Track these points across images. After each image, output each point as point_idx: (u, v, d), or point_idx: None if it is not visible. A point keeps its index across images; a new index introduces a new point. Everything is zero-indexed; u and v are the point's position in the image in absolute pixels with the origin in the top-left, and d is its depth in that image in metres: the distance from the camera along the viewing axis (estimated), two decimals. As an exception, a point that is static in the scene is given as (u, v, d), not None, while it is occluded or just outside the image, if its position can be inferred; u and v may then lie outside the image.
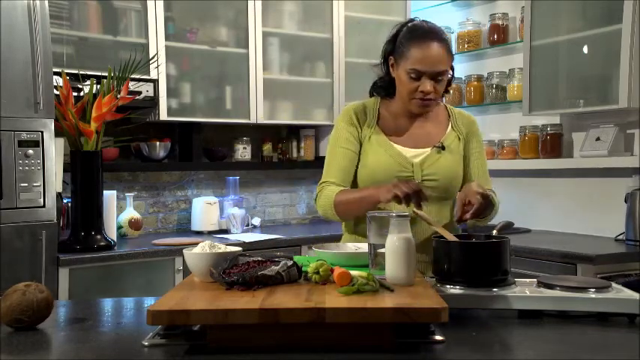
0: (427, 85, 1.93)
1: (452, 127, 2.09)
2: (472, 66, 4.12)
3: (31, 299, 1.41)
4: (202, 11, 3.63)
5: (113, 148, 3.46)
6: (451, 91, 2.14)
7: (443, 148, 2.02)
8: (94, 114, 2.90)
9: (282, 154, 4.16)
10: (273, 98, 3.85)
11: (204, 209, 3.70)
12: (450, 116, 2.11)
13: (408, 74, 1.94)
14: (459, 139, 2.07)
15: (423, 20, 2.05)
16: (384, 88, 2.08)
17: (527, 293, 1.52)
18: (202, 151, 3.80)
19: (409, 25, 2.01)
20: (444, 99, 2.30)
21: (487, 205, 1.83)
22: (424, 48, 1.92)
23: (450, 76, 2.03)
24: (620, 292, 1.51)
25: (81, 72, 3.06)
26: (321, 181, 2.06)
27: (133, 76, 3.11)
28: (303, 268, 1.50)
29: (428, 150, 2.02)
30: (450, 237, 1.65)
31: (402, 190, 1.73)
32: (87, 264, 2.89)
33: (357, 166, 2.04)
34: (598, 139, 3.30)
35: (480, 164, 2.10)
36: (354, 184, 2.06)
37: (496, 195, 2.07)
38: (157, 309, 1.23)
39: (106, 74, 2.98)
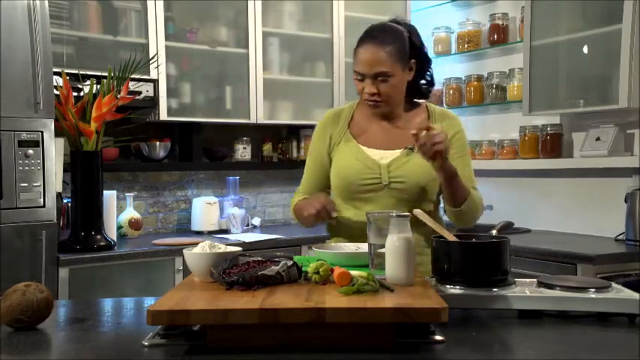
0: (368, 86, 1.96)
1: None
2: (472, 66, 4.12)
3: (31, 299, 1.41)
4: (202, 11, 3.63)
5: (113, 148, 3.46)
6: (432, 90, 2.10)
7: (413, 149, 1.99)
8: (94, 114, 2.90)
9: (282, 154, 4.16)
10: (273, 98, 3.85)
11: (204, 209, 3.70)
12: (429, 117, 2.08)
13: (355, 76, 1.99)
14: None
15: (393, 20, 2.07)
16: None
17: (527, 293, 1.52)
18: (202, 151, 3.80)
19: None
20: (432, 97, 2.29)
21: (452, 178, 1.86)
22: (362, 50, 1.96)
23: (429, 77, 2.05)
24: (620, 292, 1.51)
25: (81, 72, 3.06)
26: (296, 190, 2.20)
27: (133, 76, 3.11)
28: (303, 268, 1.50)
29: (397, 152, 2.02)
30: (450, 237, 1.65)
31: (314, 206, 1.89)
32: (87, 264, 2.89)
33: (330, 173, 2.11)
34: (598, 139, 3.30)
35: (462, 166, 2.04)
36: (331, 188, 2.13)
37: (480, 197, 2.04)
38: (157, 309, 1.23)
39: (106, 74, 2.98)
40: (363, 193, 2.00)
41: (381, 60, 1.92)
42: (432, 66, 2.11)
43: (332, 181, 2.09)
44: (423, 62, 2.05)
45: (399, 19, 2.10)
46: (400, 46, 1.96)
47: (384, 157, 2.01)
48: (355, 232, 1.99)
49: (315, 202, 1.92)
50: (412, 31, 2.04)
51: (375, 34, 1.97)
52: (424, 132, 1.74)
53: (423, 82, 2.09)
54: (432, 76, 2.10)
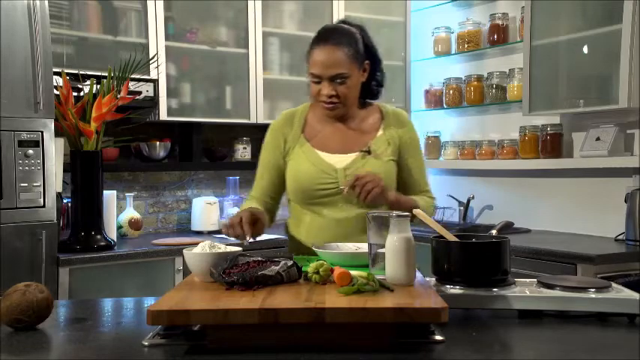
0: (326, 88, 1.93)
1: (383, 130, 2.06)
2: (472, 66, 4.12)
3: (31, 299, 1.41)
4: (202, 11, 3.63)
5: (113, 148, 3.46)
6: (381, 91, 2.11)
7: (369, 152, 2.00)
8: (94, 114, 2.90)
9: (282, 154, 4.15)
10: (273, 98, 3.85)
11: (204, 209, 3.70)
12: (383, 118, 2.08)
13: (310, 78, 1.97)
14: (389, 143, 2.04)
15: (342, 21, 2.06)
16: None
17: (527, 293, 1.52)
18: (202, 151, 3.80)
19: (320, 28, 2.03)
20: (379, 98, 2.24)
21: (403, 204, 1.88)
22: (318, 52, 1.94)
23: (380, 77, 2.04)
24: (620, 292, 1.51)
25: (81, 72, 3.06)
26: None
27: (133, 76, 3.11)
28: (303, 268, 1.50)
29: (353, 155, 2.01)
30: (450, 237, 1.65)
31: (226, 225, 1.82)
32: (87, 264, 2.89)
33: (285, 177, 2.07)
34: (598, 139, 3.30)
35: (416, 168, 2.08)
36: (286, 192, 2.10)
37: (430, 202, 2.08)
38: (156, 309, 1.23)
39: (106, 74, 2.98)
40: (320, 198, 1.99)
41: (339, 61, 1.91)
42: (383, 66, 2.10)
43: (288, 185, 2.06)
44: (374, 63, 2.05)
45: (349, 20, 2.09)
46: (355, 47, 1.96)
47: (340, 161, 2.00)
48: (312, 234, 1.99)
49: (236, 218, 1.83)
50: (364, 32, 2.04)
51: (330, 36, 1.95)
52: (347, 187, 1.81)
53: (373, 82, 2.07)
54: (382, 76, 2.09)
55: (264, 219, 1.90)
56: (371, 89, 2.08)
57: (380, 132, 2.05)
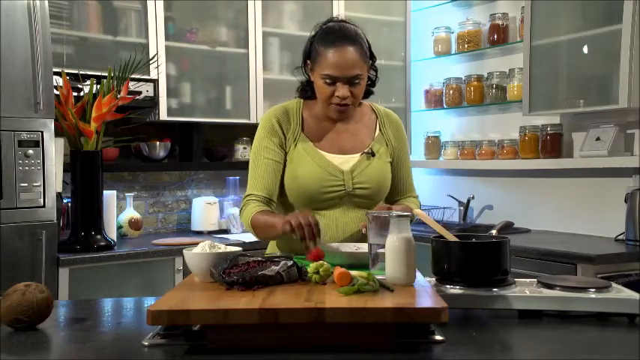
0: (342, 90, 1.88)
1: (380, 130, 2.05)
2: (472, 66, 4.12)
3: (31, 299, 1.41)
4: (202, 11, 3.63)
5: (113, 148, 3.46)
6: (372, 90, 2.08)
7: (372, 154, 1.98)
8: (94, 114, 2.90)
9: (282, 154, 4.15)
10: (273, 98, 3.85)
11: (204, 209, 3.70)
12: (377, 117, 2.07)
13: (323, 79, 1.89)
14: (387, 144, 2.04)
15: (342, 20, 1.99)
16: (307, 90, 2.02)
17: (527, 293, 1.52)
18: (202, 151, 3.80)
19: (324, 27, 1.95)
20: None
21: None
22: (336, 53, 1.86)
23: (373, 77, 2.01)
24: (620, 292, 1.51)
25: (81, 72, 3.06)
26: (245, 194, 1.97)
27: (133, 76, 3.11)
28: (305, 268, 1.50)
29: (356, 156, 1.98)
30: (450, 237, 1.65)
31: (296, 221, 1.66)
32: (87, 264, 2.89)
33: (283, 176, 1.96)
34: (598, 139, 3.30)
35: (404, 170, 2.07)
36: (284, 195, 1.98)
37: (419, 203, 2.09)
38: (156, 309, 1.23)
39: (106, 74, 2.98)
40: (325, 201, 1.93)
41: (356, 62, 1.87)
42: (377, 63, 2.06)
43: (288, 185, 1.96)
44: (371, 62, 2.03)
45: (346, 19, 2.03)
46: (365, 47, 1.93)
47: (344, 162, 1.96)
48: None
49: (299, 216, 1.68)
50: (362, 30, 2.00)
51: (345, 35, 1.89)
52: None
53: (368, 82, 2.02)
54: (375, 74, 2.05)
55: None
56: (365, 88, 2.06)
57: (377, 132, 2.05)
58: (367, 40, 1.97)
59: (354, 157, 1.98)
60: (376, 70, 2.03)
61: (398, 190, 2.08)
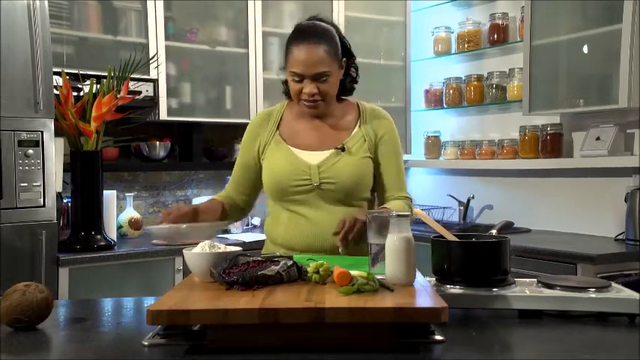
0: (309, 87, 1.93)
1: (359, 127, 2.05)
2: (472, 66, 4.12)
3: (31, 299, 1.41)
4: (202, 11, 3.63)
5: (113, 148, 3.46)
6: (354, 87, 2.10)
7: (343, 149, 1.99)
8: (94, 114, 2.90)
9: (282, 154, 4.15)
10: (273, 98, 3.84)
11: (204, 209, 3.69)
12: (360, 115, 2.07)
13: (292, 77, 1.95)
14: (365, 140, 2.03)
15: (315, 18, 2.04)
16: (288, 90, 2.06)
17: (527, 293, 1.52)
18: (202, 151, 3.80)
19: (296, 26, 2.01)
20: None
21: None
22: (300, 51, 1.91)
23: (354, 74, 2.05)
24: (620, 292, 1.51)
25: (81, 72, 3.06)
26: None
27: (132, 76, 3.10)
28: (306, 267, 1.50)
29: (328, 152, 2.00)
30: (450, 237, 1.65)
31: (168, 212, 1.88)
32: (87, 264, 2.89)
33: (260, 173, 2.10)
34: (598, 138, 3.30)
35: (391, 166, 2.05)
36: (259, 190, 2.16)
37: (411, 203, 2.06)
38: (156, 309, 1.23)
39: (106, 74, 2.98)
40: (294, 195, 1.99)
41: (321, 59, 1.90)
42: (357, 61, 2.09)
43: (264, 183, 2.08)
44: (348, 59, 2.05)
45: (322, 17, 2.08)
46: (335, 44, 1.96)
47: (315, 158, 2.00)
48: (289, 232, 1.99)
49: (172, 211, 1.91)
50: (337, 29, 2.04)
51: (310, 34, 1.94)
52: (342, 247, 1.80)
53: (348, 79, 2.06)
54: (356, 72, 2.08)
55: (212, 212, 2.00)
56: (345, 85, 2.07)
57: (356, 129, 2.05)
58: (341, 39, 2.01)
59: (325, 153, 2.00)
60: (357, 68, 2.07)
61: (384, 186, 2.06)
